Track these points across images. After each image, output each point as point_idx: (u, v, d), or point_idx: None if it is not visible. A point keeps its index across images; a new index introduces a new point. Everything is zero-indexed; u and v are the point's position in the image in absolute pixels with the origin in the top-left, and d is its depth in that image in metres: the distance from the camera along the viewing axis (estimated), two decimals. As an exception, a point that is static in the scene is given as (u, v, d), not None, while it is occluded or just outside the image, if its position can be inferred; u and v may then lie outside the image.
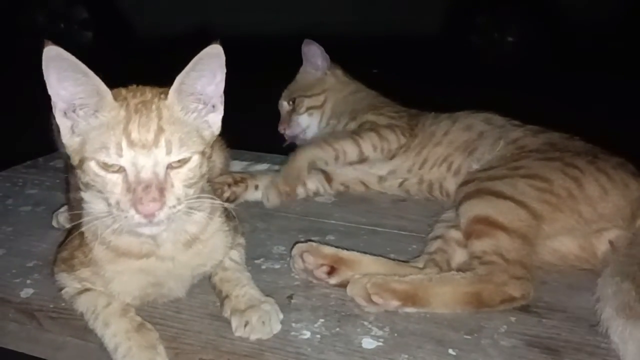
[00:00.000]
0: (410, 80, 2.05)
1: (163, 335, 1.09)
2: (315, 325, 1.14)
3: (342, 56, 2.07)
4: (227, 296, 1.15)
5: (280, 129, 2.05)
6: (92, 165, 0.98)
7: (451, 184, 1.65)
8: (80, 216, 1.11)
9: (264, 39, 5.30)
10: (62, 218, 1.49)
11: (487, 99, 1.79)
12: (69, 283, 1.15)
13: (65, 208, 1.49)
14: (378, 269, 1.26)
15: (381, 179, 1.79)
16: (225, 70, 1.04)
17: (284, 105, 2.06)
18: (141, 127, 0.97)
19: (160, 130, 0.98)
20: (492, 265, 1.21)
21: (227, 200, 1.63)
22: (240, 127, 1.70)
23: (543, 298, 1.23)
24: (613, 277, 1.13)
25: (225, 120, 1.10)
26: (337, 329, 1.12)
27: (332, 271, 1.26)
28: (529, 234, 1.25)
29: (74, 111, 1.00)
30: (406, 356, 1.05)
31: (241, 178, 1.73)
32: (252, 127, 2.28)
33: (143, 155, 0.96)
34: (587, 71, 4.72)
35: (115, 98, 1.00)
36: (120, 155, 0.96)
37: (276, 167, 1.88)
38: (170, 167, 0.99)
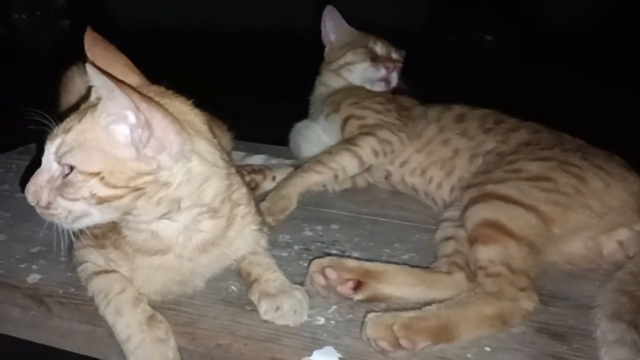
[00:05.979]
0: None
1: (177, 320, 1.09)
2: (329, 311, 1.15)
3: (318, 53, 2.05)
4: (256, 280, 1.15)
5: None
6: None
7: (437, 196, 1.61)
8: None
9: (254, 31, 5.29)
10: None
11: (467, 98, 1.76)
12: (94, 258, 1.12)
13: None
14: (406, 279, 1.20)
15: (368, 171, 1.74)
16: None
17: None
18: None
19: None
20: (498, 277, 1.16)
21: (248, 186, 1.63)
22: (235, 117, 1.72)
23: (546, 286, 1.26)
24: (614, 291, 1.17)
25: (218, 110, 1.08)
26: (350, 316, 1.14)
27: (358, 286, 1.17)
28: (536, 242, 1.22)
29: None
30: (419, 341, 1.06)
31: (259, 168, 1.72)
32: (246, 117, 2.26)
33: None
34: (565, 70, 4.80)
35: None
36: None
37: (274, 161, 1.88)
38: None
